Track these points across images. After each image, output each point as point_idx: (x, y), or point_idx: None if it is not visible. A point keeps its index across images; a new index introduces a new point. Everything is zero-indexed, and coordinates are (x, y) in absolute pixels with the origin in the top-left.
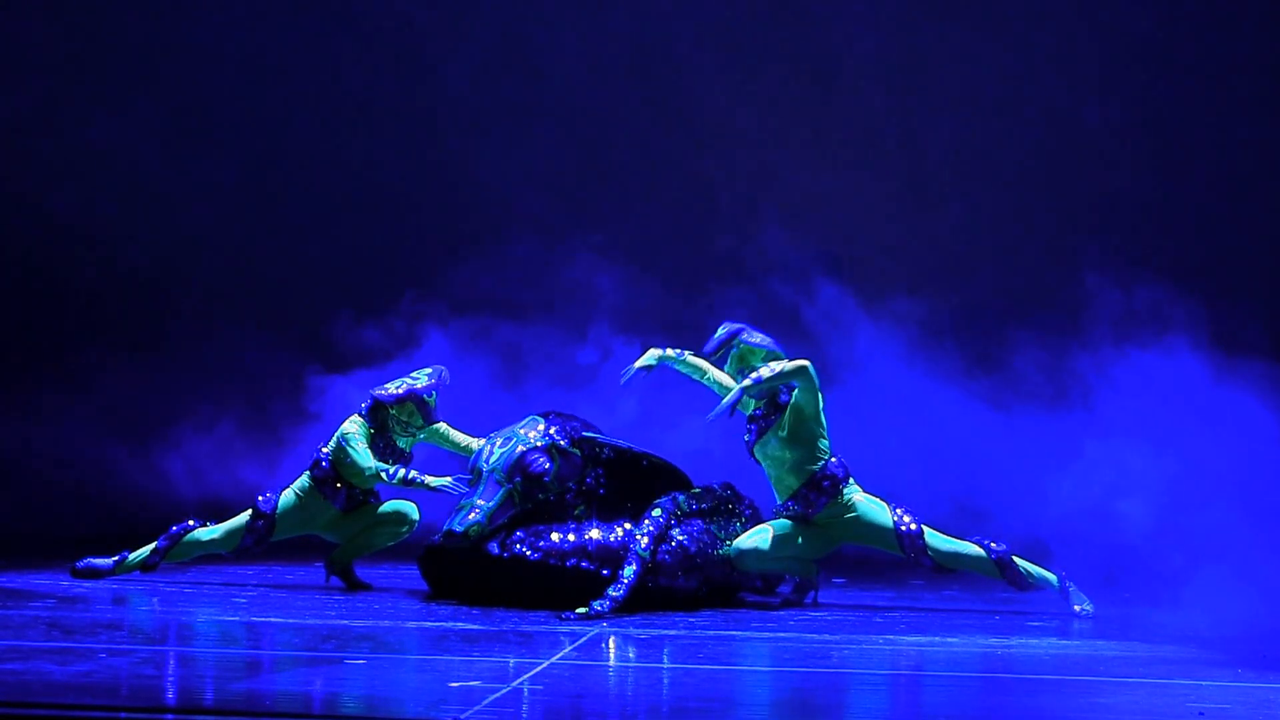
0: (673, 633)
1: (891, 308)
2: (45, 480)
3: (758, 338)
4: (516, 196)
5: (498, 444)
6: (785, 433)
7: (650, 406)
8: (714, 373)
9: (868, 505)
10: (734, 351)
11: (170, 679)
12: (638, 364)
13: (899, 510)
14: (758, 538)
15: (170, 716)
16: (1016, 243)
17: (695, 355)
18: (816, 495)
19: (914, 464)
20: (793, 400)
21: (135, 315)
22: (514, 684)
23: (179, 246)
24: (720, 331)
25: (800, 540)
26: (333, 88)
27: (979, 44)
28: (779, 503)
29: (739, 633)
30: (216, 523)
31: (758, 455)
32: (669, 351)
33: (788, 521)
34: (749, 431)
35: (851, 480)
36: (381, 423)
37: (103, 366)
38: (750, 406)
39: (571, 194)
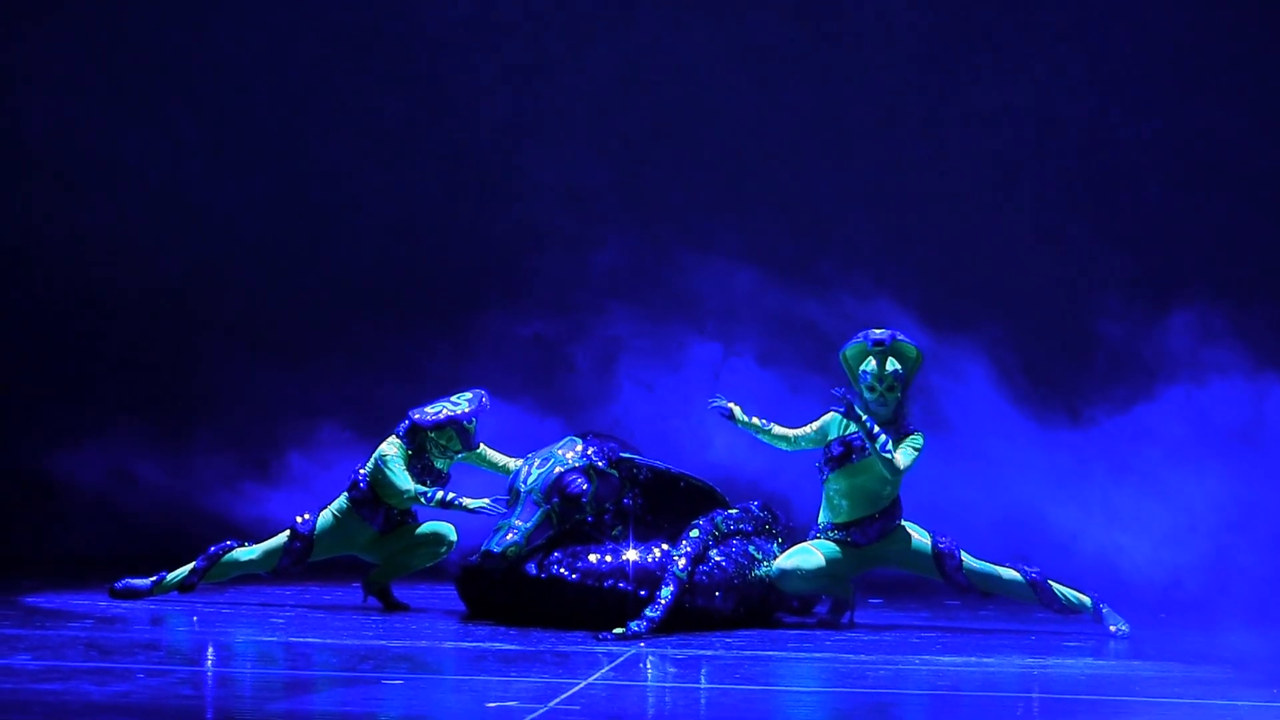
0: (710, 653)
1: (920, 324)
2: (94, 502)
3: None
4: (553, 205)
5: (535, 465)
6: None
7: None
8: (789, 442)
9: (909, 533)
10: (882, 347)
11: (208, 700)
12: (728, 404)
13: (939, 537)
14: (798, 558)
15: None
16: (1049, 259)
17: (779, 427)
18: (876, 528)
19: (952, 487)
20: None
21: (166, 330)
22: (551, 705)
23: (215, 262)
24: (883, 330)
25: (841, 562)
26: (369, 107)
27: (1011, 61)
28: (828, 523)
29: (776, 653)
30: (255, 543)
31: (835, 474)
32: (755, 420)
33: (829, 543)
34: (846, 449)
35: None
36: (420, 445)
37: (137, 392)
38: (846, 429)
39: (600, 203)
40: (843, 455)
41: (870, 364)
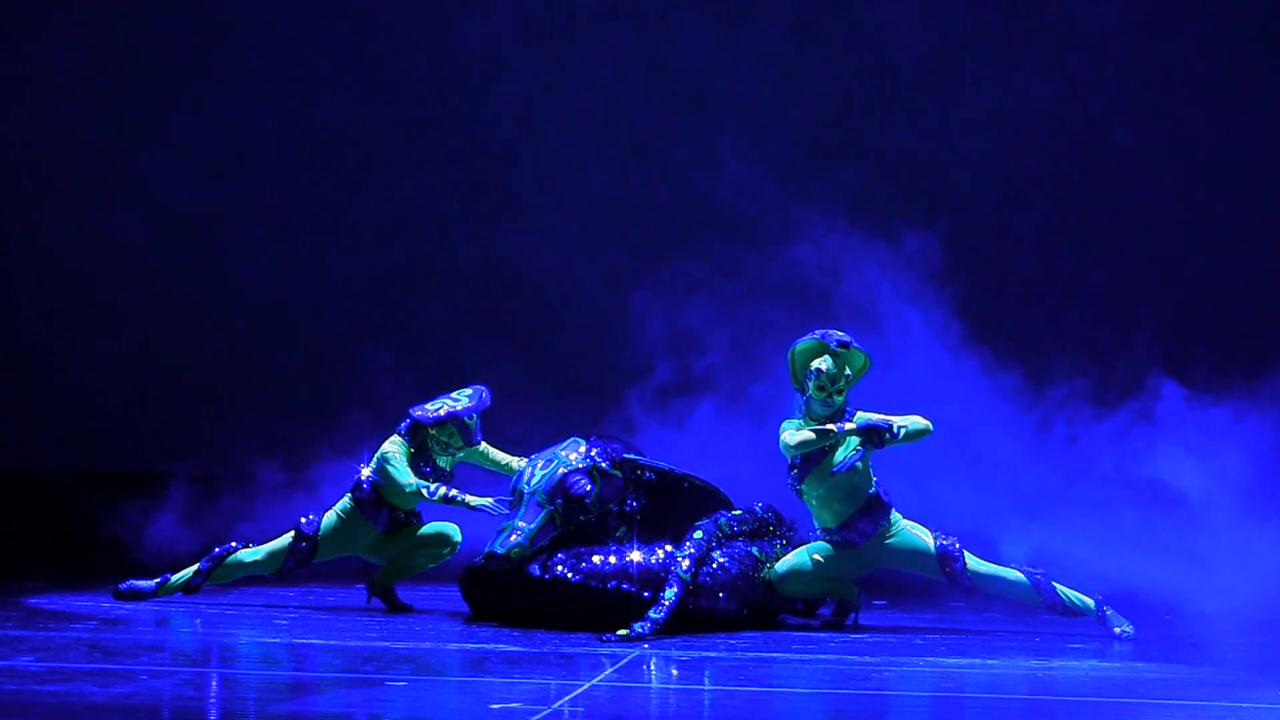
0: (713, 655)
1: (917, 328)
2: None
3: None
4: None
5: (539, 466)
6: (862, 461)
7: None
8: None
9: (909, 530)
10: (846, 349)
11: (212, 701)
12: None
13: (940, 535)
14: (799, 560)
15: None
16: (1045, 266)
17: None
18: (867, 523)
19: (953, 489)
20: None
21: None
22: (555, 706)
23: (223, 273)
24: (842, 333)
25: (842, 563)
26: (381, 110)
27: (1011, 66)
28: (822, 528)
29: (780, 655)
30: (259, 544)
31: (807, 481)
32: None
33: (827, 545)
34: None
35: (892, 507)
36: (421, 443)
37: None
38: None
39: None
40: (805, 459)
41: (827, 363)
